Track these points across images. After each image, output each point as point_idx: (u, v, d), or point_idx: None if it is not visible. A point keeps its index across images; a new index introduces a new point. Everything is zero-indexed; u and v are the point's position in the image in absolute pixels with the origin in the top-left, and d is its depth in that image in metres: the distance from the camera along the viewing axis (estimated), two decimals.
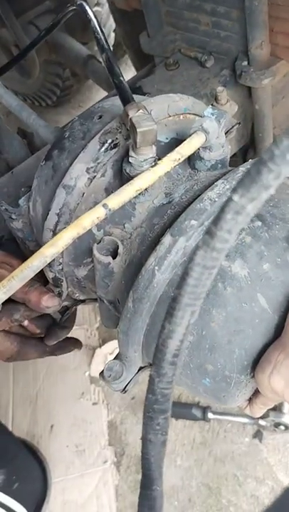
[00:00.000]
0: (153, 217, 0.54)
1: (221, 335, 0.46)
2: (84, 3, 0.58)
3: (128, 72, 1.73)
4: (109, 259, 0.52)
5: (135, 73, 1.25)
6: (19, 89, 2.16)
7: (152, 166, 0.50)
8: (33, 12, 1.53)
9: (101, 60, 1.27)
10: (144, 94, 0.95)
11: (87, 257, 0.57)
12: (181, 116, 0.59)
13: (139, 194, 0.51)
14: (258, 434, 1.32)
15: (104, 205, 0.47)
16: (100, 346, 1.54)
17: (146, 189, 0.51)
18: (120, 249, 0.53)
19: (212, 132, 0.51)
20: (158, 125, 0.51)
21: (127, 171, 0.51)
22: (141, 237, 0.54)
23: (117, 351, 0.55)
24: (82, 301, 0.69)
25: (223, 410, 1.34)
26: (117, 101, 0.58)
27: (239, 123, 0.80)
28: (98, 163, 0.54)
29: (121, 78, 0.56)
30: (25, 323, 0.65)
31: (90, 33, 1.38)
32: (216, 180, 0.51)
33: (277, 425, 1.27)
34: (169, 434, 0.35)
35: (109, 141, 0.54)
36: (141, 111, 0.50)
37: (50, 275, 0.59)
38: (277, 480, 1.25)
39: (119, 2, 1.19)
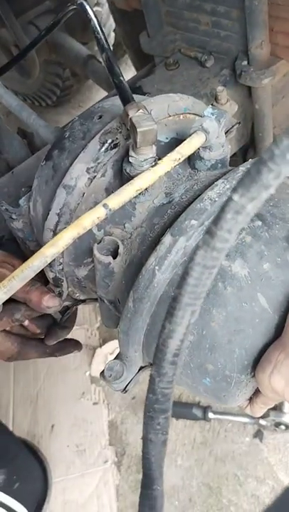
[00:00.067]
0: (153, 217, 0.54)
1: (222, 334, 0.46)
2: (84, 3, 0.58)
3: (128, 72, 1.73)
4: (110, 259, 0.52)
5: (135, 73, 1.25)
6: (19, 89, 2.16)
7: (152, 166, 0.50)
8: (32, 12, 1.54)
9: (101, 59, 1.27)
10: (144, 94, 0.95)
11: (88, 257, 0.57)
12: (181, 116, 0.59)
13: (140, 194, 0.51)
14: (258, 434, 1.32)
15: (105, 205, 0.47)
16: (101, 346, 1.54)
17: (146, 189, 0.51)
18: (120, 249, 0.53)
19: (212, 132, 0.51)
20: (158, 125, 0.51)
21: (127, 170, 0.52)
22: (141, 236, 0.54)
23: (117, 351, 0.55)
24: (83, 301, 0.69)
25: (224, 410, 1.34)
26: (117, 101, 0.58)
27: (239, 123, 0.80)
28: (98, 163, 0.54)
29: (121, 78, 0.56)
30: (26, 323, 0.65)
31: (90, 33, 1.38)
32: (216, 179, 0.51)
33: (277, 425, 1.27)
34: (170, 433, 0.35)
35: (110, 141, 0.54)
36: (141, 111, 0.50)
37: (50, 275, 0.59)
38: (277, 479, 1.25)
39: (119, 2, 1.19)
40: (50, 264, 0.53)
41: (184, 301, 0.29)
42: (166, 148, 0.55)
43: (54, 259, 0.53)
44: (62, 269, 0.59)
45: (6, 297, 0.48)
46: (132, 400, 1.43)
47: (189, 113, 0.60)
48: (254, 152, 1.06)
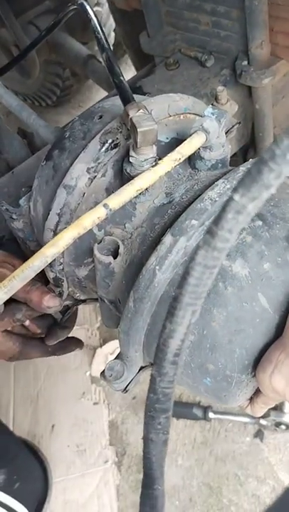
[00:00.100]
0: (154, 217, 0.54)
1: (222, 334, 0.46)
2: (84, 3, 0.58)
3: (128, 72, 1.73)
4: (110, 259, 0.52)
5: (135, 73, 1.25)
6: (19, 89, 2.16)
7: (153, 166, 0.50)
8: (32, 12, 1.54)
9: (101, 59, 1.27)
10: (144, 94, 0.95)
11: (88, 257, 0.57)
12: (182, 116, 0.59)
13: (140, 194, 0.51)
14: (259, 434, 1.32)
15: (105, 205, 0.47)
16: (101, 346, 1.54)
17: (146, 189, 0.51)
18: (121, 249, 0.53)
19: (212, 132, 0.51)
20: (158, 125, 0.51)
21: (128, 170, 0.52)
22: (142, 236, 0.54)
23: (118, 351, 0.55)
24: (83, 301, 0.69)
25: (224, 410, 1.34)
26: (117, 101, 0.58)
27: (239, 122, 0.80)
28: (99, 163, 0.54)
29: (121, 78, 0.56)
30: (27, 323, 0.65)
31: (90, 33, 1.38)
32: (217, 179, 0.51)
33: (278, 424, 1.27)
34: (170, 433, 0.35)
35: (110, 141, 0.54)
36: (141, 111, 0.50)
37: (51, 275, 0.59)
38: (278, 479, 1.25)
39: (119, 2, 1.19)
40: (50, 264, 0.53)
41: (184, 300, 0.29)
42: (167, 148, 0.55)
43: (54, 259, 0.53)
44: (63, 269, 0.59)
45: (6, 297, 0.48)
46: (132, 400, 1.43)
47: (190, 113, 0.60)
48: (254, 152, 1.06)
